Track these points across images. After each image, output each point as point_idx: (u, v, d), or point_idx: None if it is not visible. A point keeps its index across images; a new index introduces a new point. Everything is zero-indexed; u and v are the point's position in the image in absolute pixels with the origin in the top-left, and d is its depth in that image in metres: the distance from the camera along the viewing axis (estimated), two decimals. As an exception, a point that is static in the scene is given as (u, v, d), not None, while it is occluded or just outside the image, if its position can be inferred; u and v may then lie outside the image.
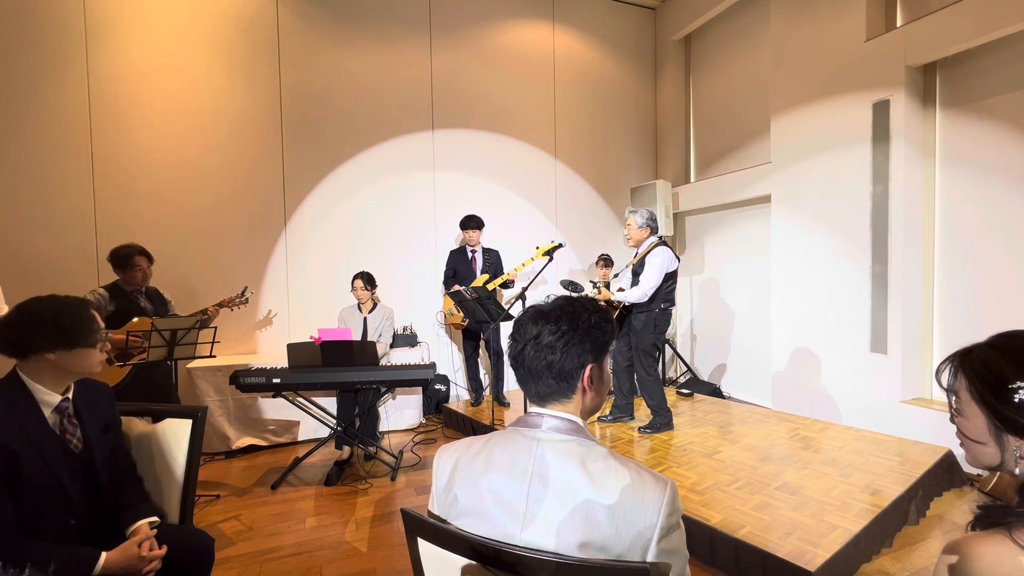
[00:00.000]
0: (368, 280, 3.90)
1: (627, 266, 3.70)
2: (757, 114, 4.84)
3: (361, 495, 3.05)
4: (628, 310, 3.58)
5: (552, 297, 0.99)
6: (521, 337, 0.94)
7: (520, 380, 0.96)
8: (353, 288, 3.88)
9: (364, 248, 4.57)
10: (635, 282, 3.51)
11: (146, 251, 3.15)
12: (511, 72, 5.15)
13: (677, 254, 3.55)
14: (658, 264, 3.39)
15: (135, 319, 3.03)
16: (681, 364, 5.48)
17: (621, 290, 3.58)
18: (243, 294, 3.66)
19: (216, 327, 3.21)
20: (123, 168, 3.83)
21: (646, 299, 3.41)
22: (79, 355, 1.39)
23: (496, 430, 1.00)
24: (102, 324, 1.46)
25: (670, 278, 3.46)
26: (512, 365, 0.97)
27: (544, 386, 0.92)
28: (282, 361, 3.33)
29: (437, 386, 4.67)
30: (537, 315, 0.94)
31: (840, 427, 3.63)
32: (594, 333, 0.92)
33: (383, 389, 3.51)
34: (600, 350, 0.93)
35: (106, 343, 1.47)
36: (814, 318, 4.12)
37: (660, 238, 3.59)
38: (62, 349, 1.35)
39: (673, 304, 3.55)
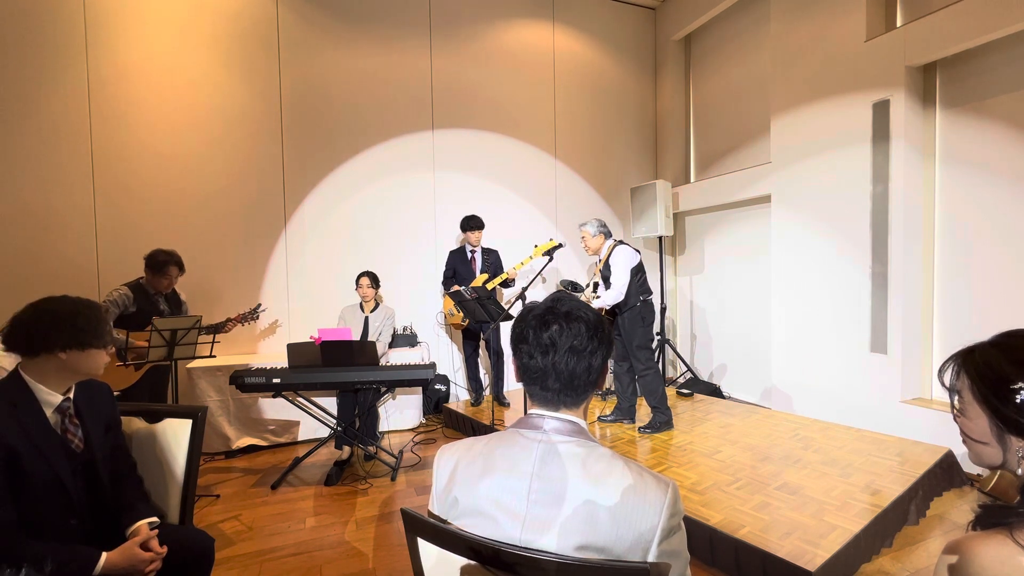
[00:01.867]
0: (373, 279, 3.93)
1: (594, 274, 3.79)
2: (757, 114, 4.84)
3: (361, 495, 3.05)
4: (613, 314, 3.63)
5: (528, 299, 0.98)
6: (555, 347, 0.88)
7: (548, 387, 0.90)
8: (359, 286, 3.90)
9: (364, 248, 4.57)
10: (607, 286, 3.60)
11: (182, 263, 3.28)
12: (511, 72, 5.15)
13: (635, 248, 3.65)
14: (622, 262, 3.51)
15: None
16: (681, 364, 5.48)
17: (598, 297, 3.64)
18: (255, 311, 3.68)
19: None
20: (123, 167, 3.83)
21: (622, 297, 3.51)
22: (89, 356, 1.40)
23: (496, 430, 1.00)
24: (112, 327, 1.47)
25: (637, 271, 3.57)
26: (538, 376, 0.90)
27: (575, 389, 0.90)
28: (282, 361, 3.33)
29: (437, 386, 4.67)
30: (565, 318, 0.89)
31: (840, 427, 3.63)
32: (610, 330, 0.94)
33: (383, 389, 3.51)
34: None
35: (112, 346, 1.48)
36: (814, 318, 4.12)
37: (615, 240, 3.69)
38: (75, 349, 1.36)
39: (651, 294, 3.64)
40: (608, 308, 3.59)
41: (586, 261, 5.51)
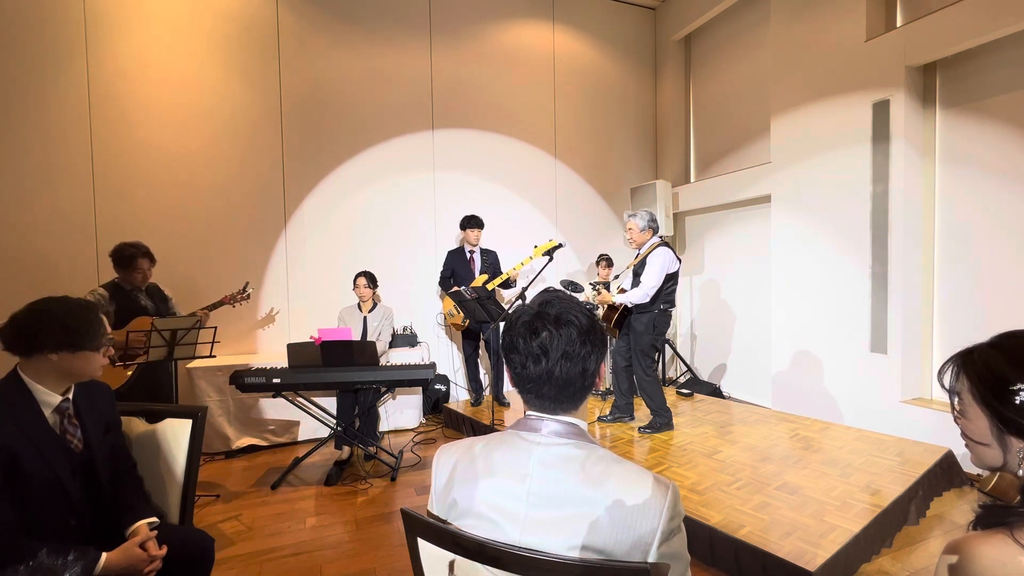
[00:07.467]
0: (370, 279, 3.92)
1: (628, 267, 3.71)
2: (757, 114, 4.84)
3: (361, 495, 3.05)
4: (629, 311, 3.58)
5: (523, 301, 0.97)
6: (547, 354, 0.86)
7: (543, 395, 0.89)
8: (356, 286, 3.90)
9: (364, 248, 4.57)
10: (636, 283, 3.52)
11: (150, 253, 3.12)
12: (511, 72, 5.15)
13: (678, 255, 3.55)
14: (659, 264, 3.40)
15: (137, 319, 3.02)
16: (681, 364, 5.48)
17: (623, 291, 3.58)
18: (244, 289, 3.64)
19: (216, 327, 3.20)
20: (123, 168, 3.83)
21: (648, 299, 3.41)
22: (82, 358, 1.39)
23: (496, 430, 0.99)
24: (108, 329, 1.46)
25: (671, 279, 3.47)
26: (533, 383, 0.88)
27: (572, 395, 0.89)
28: (282, 361, 3.33)
29: (437, 386, 4.67)
30: (555, 323, 0.87)
31: (840, 427, 3.63)
32: (603, 331, 0.94)
33: (383, 389, 3.51)
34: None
35: (109, 348, 1.47)
36: (814, 318, 4.12)
37: (661, 238, 3.60)
38: (66, 351, 1.35)
39: (673, 305, 3.55)
40: (629, 305, 3.51)
41: (586, 261, 5.51)
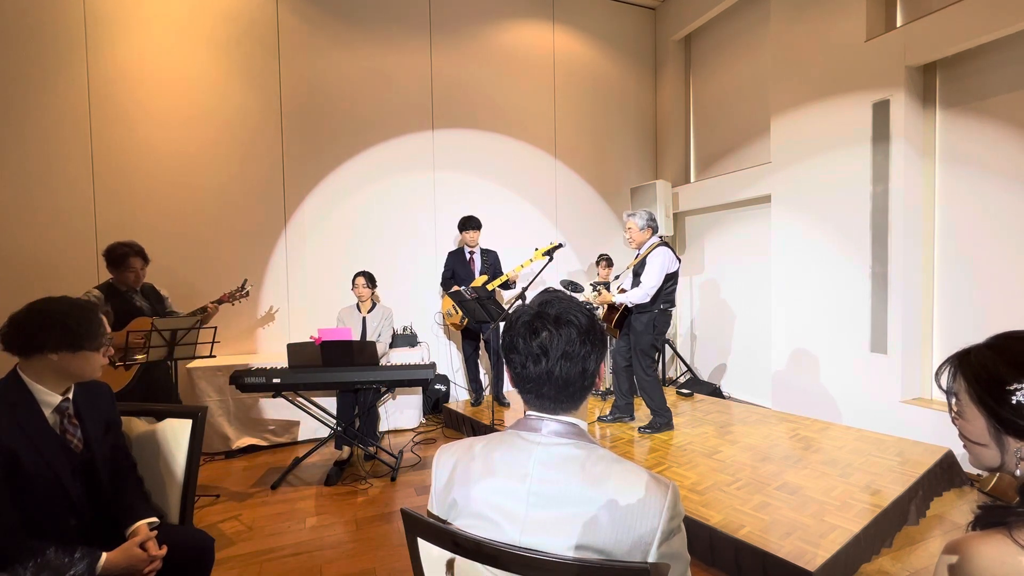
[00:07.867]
0: (369, 279, 3.92)
1: (628, 267, 3.71)
2: (757, 114, 4.84)
3: (361, 495, 3.05)
4: (629, 311, 3.58)
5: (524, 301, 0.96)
6: (547, 354, 0.86)
7: (543, 395, 0.89)
8: (354, 286, 3.90)
9: (364, 248, 4.57)
10: (636, 282, 3.52)
11: (143, 252, 3.08)
12: (511, 72, 5.15)
13: (678, 255, 3.56)
14: (659, 264, 3.40)
15: (137, 319, 3.01)
16: (681, 364, 5.48)
17: (623, 291, 3.58)
18: (243, 287, 3.62)
19: (216, 327, 3.19)
20: (123, 168, 3.83)
21: (648, 299, 3.41)
22: (82, 358, 1.39)
23: (496, 430, 0.99)
24: (108, 329, 1.46)
25: (671, 279, 3.47)
26: (533, 383, 0.88)
27: (571, 395, 0.89)
28: (282, 361, 3.33)
29: (437, 386, 4.67)
30: (555, 323, 0.87)
31: (840, 427, 3.63)
32: (603, 330, 0.93)
33: (383, 389, 3.51)
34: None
35: (109, 348, 1.47)
36: (814, 318, 4.12)
37: (661, 238, 3.60)
38: (66, 351, 1.35)
39: (673, 305, 3.55)
40: (630, 305, 3.50)
41: (586, 261, 5.51)
